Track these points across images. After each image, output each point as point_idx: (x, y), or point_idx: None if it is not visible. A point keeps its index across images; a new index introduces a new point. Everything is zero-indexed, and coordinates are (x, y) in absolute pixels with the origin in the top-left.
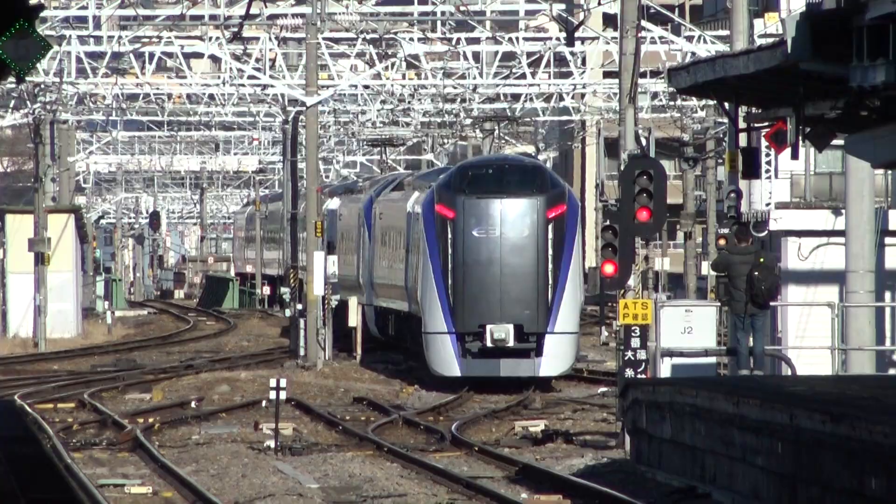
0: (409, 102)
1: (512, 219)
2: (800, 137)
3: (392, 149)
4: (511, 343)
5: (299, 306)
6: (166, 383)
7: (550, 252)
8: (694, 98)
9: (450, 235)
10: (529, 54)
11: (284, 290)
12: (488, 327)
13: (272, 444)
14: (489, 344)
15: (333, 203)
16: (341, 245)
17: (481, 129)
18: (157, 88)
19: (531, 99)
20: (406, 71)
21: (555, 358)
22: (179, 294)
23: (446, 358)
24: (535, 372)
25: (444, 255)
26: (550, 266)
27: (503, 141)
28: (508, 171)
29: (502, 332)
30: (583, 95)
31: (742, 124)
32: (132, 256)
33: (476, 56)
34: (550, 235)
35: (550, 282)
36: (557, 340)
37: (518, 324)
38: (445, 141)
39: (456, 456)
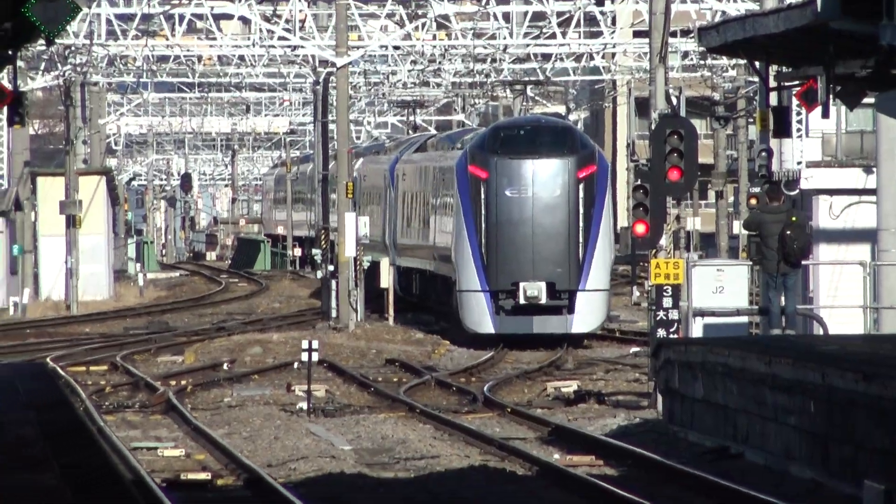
0: (439, 63)
1: (544, 179)
2: (830, 96)
3: (422, 110)
4: (543, 300)
5: (331, 268)
6: (198, 345)
7: (581, 211)
8: (724, 57)
9: (483, 195)
10: (559, 14)
11: (316, 252)
12: (521, 285)
13: (304, 406)
14: (522, 301)
15: (358, 164)
16: (366, 206)
17: (512, 89)
18: (188, 50)
19: (561, 59)
20: (436, 31)
21: (586, 315)
22: (211, 256)
23: (480, 315)
24: (567, 328)
25: (476, 215)
26: (581, 225)
27: (534, 101)
28: (540, 133)
29: (535, 289)
30: (613, 55)
31: (773, 83)
32: (164, 218)
33: (506, 16)
34: (581, 195)
35: (581, 240)
36: (589, 297)
37: (550, 281)
38: (476, 101)
39: (488, 417)
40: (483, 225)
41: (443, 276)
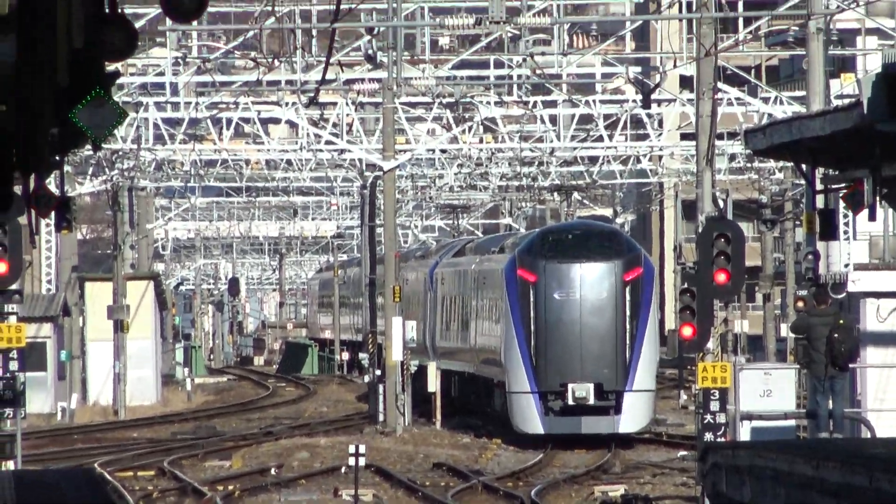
0: (486, 166)
1: (591, 282)
2: (877, 198)
3: (469, 213)
4: (591, 401)
5: (378, 372)
6: (246, 450)
7: (628, 313)
8: (771, 160)
9: (532, 298)
10: (606, 117)
11: (363, 356)
12: (570, 386)
13: None
14: (570, 402)
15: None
16: (406, 309)
17: (559, 192)
18: (235, 154)
19: (608, 161)
20: (483, 134)
21: (633, 415)
22: (259, 360)
23: (530, 416)
24: (615, 428)
25: (525, 317)
26: (628, 326)
27: (581, 204)
28: (587, 237)
29: (583, 390)
30: (660, 158)
31: (819, 185)
32: (211, 323)
33: (553, 119)
34: (628, 297)
35: (628, 342)
36: (636, 398)
37: (598, 382)
38: (523, 204)
39: None
40: (532, 327)
41: (484, 378)
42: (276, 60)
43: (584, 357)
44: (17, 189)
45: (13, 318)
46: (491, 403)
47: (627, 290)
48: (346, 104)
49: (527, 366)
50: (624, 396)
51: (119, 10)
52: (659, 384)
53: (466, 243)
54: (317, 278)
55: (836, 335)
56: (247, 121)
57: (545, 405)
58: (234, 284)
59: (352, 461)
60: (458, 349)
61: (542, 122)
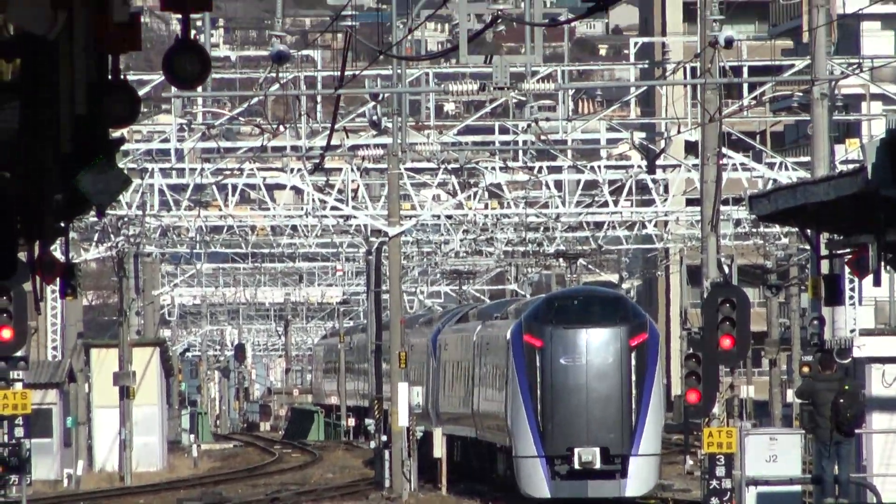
0: (491, 231)
1: (597, 347)
2: (882, 263)
3: (475, 279)
4: (598, 465)
5: (384, 437)
6: None
7: (633, 378)
8: (776, 225)
9: (538, 363)
10: (611, 182)
11: (369, 422)
12: (576, 450)
13: None
14: (577, 466)
15: None
16: (412, 375)
17: (564, 258)
18: (241, 220)
19: (614, 227)
20: (488, 200)
21: (639, 479)
22: (265, 426)
23: (536, 480)
24: (621, 492)
25: (532, 382)
26: (634, 391)
27: (587, 270)
28: (593, 303)
29: (589, 454)
30: (665, 223)
31: (824, 251)
32: (218, 389)
33: (558, 184)
34: (633, 362)
35: (634, 406)
36: (642, 462)
37: (604, 446)
38: (528, 270)
39: None
40: (538, 392)
41: (487, 443)
42: (280, 126)
43: (591, 421)
44: (22, 255)
45: (19, 385)
46: (494, 468)
47: (633, 355)
48: (352, 170)
49: (533, 430)
50: (630, 460)
51: (122, 77)
52: (665, 449)
53: (469, 310)
54: (322, 344)
55: (841, 400)
56: (252, 187)
57: (551, 469)
58: (240, 350)
59: None
60: (460, 414)
61: (548, 187)
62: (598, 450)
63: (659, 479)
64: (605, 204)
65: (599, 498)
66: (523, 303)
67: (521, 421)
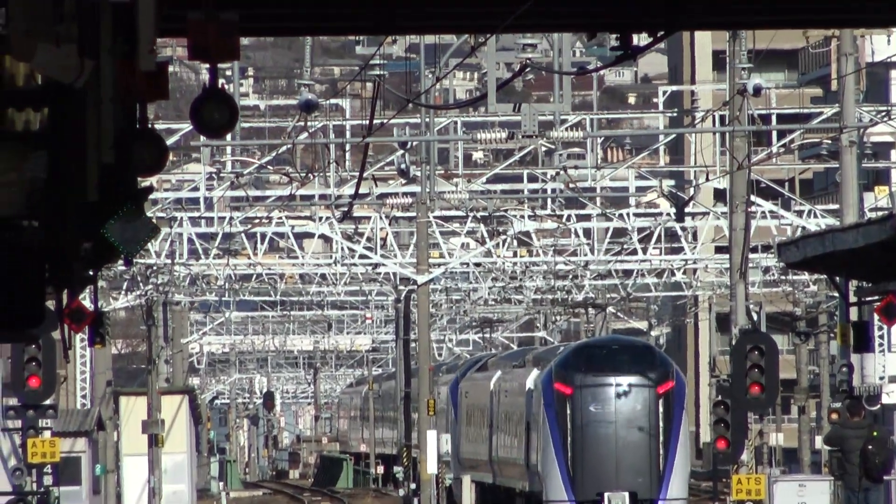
0: (520, 279)
1: (626, 394)
2: None
3: (503, 325)
4: None
5: (413, 485)
6: None
7: (661, 425)
8: (805, 272)
9: (568, 410)
10: (640, 230)
11: (398, 469)
12: (606, 495)
13: None
14: None
15: None
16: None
17: (593, 307)
18: (269, 269)
19: (643, 274)
20: (517, 248)
21: None
22: (294, 474)
23: None
24: None
25: (563, 428)
26: (661, 437)
27: (616, 317)
28: (621, 352)
29: (619, 499)
30: (694, 271)
31: (853, 298)
32: (247, 437)
33: (587, 232)
34: (661, 409)
35: (662, 452)
36: None
37: (633, 491)
38: (557, 318)
39: None
40: (569, 438)
41: (506, 488)
42: (309, 175)
43: (620, 467)
44: (50, 304)
45: (47, 433)
46: None
47: (660, 402)
48: (380, 218)
49: (563, 475)
50: None
51: (149, 126)
52: (694, 496)
53: (488, 358)
54: (348, 392)
55: (870, 447)
56: (281, 235)
57: None
58: (268, 398)
59: None
60: (480, 460)
61: (576, 235)
62: (627, 494)
63: None
64: (634, 251)
65: None
66: (540, 351)
67: (551, 466)
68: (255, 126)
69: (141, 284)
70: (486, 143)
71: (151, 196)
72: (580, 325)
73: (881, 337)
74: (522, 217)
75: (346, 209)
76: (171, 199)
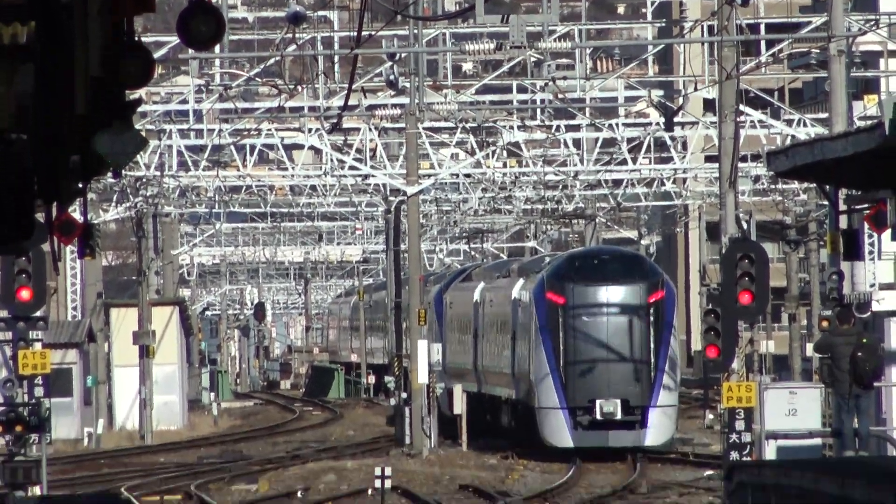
0: (510, 190)
1: (617, 304)
2: None
3: (494, 236)
4: (619, 416)
5: (404, 395)
6: (273, 474)
7: (652, 333)
8: (795, 181)
9: (560, 319)
10: (629, 140)
11: (389, 380)
12: (597, 402)
13: None
14: (598, 417)
15: None
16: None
17: (583, 216)
18: (259, 180)
19: (632, 184)
20: (506, 159)
21: (658, 429)
22: (285, 384)
23: (559, 430)
24: (640, 442)
25: (555, 337)
26: (652, 346)
27: (606, 227)
28: (612, 261)
29: (611, 406)
30: (684, 180)
31: (842, 206)
32: (238, 348)
33: (576, 143)
34: (651, 318)
35: (652, 360)
36: (660, 413)
37: (624, 398)
38: (547, 228)
39: None
40: (561, 347)
41: (491, 396)
42: (298, 87)
43: (611, 375)
44: (40, 217)
45: (38, 345)
46: (499, 417)
47: (651, 311)
48: (370, 130)
49: (556, 383)
50: (649, 411)
51: (136, 39)
52: (685, 404)
53: (473, 269)
54: (337, 303)
55: (859, 354)
56: (270, 147)
57: (574, 420)
58: (259, 309)
59: (378, 483)
60: (464, 369)
61: (566, 145)
62: (618, 401)
63: (678, 432)
64: (624, 162)
65: (620, 447)
66: (525, 261)
67: (544, 374)
68: (244, 38)
69: (131, 197)
70: (474, 54)
71: (140, 109)
72: (570, 235)
73: (871, 245)
74: (512, 128)
75: (335, 121)
76: (159, 112)
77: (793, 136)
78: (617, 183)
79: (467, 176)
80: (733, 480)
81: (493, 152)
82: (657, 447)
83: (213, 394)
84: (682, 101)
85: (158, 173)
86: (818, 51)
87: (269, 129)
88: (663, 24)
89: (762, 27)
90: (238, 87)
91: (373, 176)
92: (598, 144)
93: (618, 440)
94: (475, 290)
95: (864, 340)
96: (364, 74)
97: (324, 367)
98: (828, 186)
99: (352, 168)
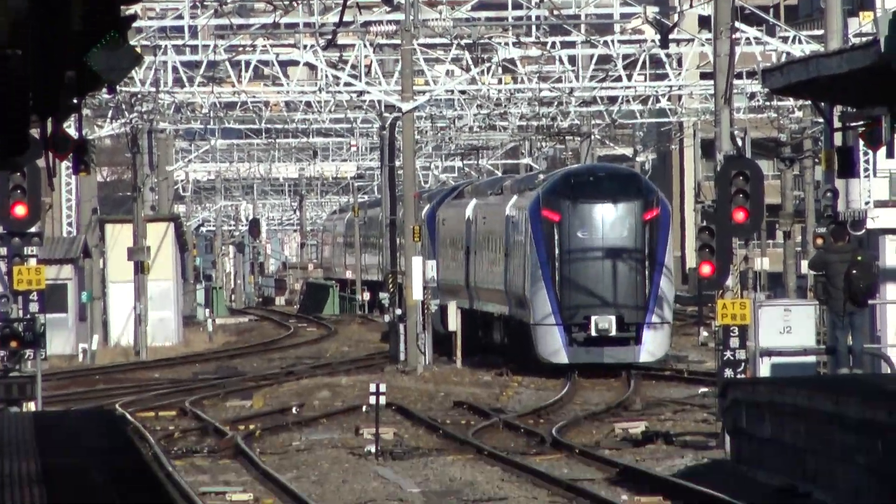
0: (505, 106)
1: (612, 221)
2: (895, 135)
3: (489, 152)
4: (613, 332)
5: (399, 311)
6: (267, 390)
7: (647, 251)
8: (790, 98)
9: (556, 236)
10: (625, 57)
11: (384, 296)
12: (593, 318)
13: (373, 449)
14: (594, 333)
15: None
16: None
17: (578, 133)
18: (254, 97)
19: (628, 101)
20: (502, 75)
21: (653, 345)
22: (280, 301)
23: (554, 347)
24: (635, 358)
25: (550, 254)
26: (647, 263)
27: (601, 144)
28: (607, 179)
29: (606, 322)
30: (679, 97)
31: (837, 123)
32: (232, 264)
33: (571, 59)
34: (647, 236)
35: (647, 277)
36: (654, 330)
37: (619, 315)
38: (543, 144)
39: (556, 458)
40: (556, 264)
41: (483, 312)
42: (293, 3)
43: (606, 292)
44: (35, 133)
45: (33, 261)
46: (491, 334)
47: (646, 229)
48: (364, 46)
49: (552, 300)
50: (643, 328)
51: None
52: (679, 321)
53: (465, 186)
54: (332, 219)
55: (854, 271)
56: (265, 63)
57: (569, 337)
58: (254, 225)
59: (372, 400)
60: (457, 286)
61: (561, 62)
62: (613, 318)
63: (672, 349)
64: (619, 78)
65: (615, 363)
66: (518, 178)
67: (539, 291)
68: None
69: (126, 112)
70: None
71: (135, 24)
72: (565, 151)
73: (866, 162)
74: (507, 44)
75: (330, 37)
76: (155, 28)
77: (788, 54)
78: (612, 100)
79: (462, 92)
80: (727, 397)
81: (489, 69)
82: (651, 364)
83: (207, 310)
84: (678, 18)
85: (154, 89)
86: None
87: (264, 46)
88: None
89: None
90: (233, 3)
91: (368, 92)
92: (594, 61)
93: (612, 356)
94: (467, 207)
95: (859, 258)
96: None
97: (318, 283)
98: (823, 103)
99: (347, 84)
